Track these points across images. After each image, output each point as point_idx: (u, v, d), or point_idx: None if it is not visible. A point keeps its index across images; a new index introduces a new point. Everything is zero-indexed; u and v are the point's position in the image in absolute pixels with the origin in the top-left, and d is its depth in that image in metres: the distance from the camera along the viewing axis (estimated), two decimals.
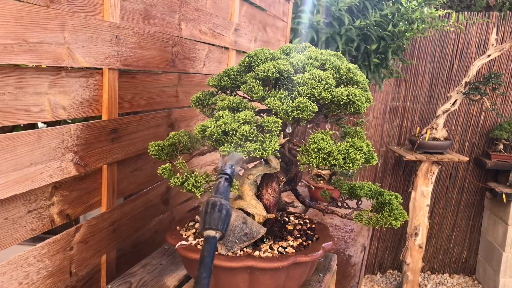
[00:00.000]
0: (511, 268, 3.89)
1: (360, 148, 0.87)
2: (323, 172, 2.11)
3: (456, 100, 3.76)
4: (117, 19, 1.07)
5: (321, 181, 2.11)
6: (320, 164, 0.83)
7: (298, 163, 0.86)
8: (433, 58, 4.20)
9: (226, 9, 1.75)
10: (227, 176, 0.67)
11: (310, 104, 0.86)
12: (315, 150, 0.84)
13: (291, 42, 2.98)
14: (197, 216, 1.05)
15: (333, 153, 0.84)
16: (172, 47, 1.36)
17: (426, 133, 3.83)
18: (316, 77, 0.89)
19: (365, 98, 0.93)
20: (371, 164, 0.91)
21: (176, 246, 0.89)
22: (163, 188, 1.42)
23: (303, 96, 0.88)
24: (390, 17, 3.29)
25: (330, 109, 0.93)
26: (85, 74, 1.00)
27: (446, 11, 3.63)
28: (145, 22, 1.21)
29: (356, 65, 1.01)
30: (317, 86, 0.88)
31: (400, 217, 0.99)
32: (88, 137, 1.01)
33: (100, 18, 1.02)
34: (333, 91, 0.90)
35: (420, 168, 3.84)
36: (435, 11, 3.53)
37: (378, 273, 4.50)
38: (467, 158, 3.80)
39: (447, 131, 3.88)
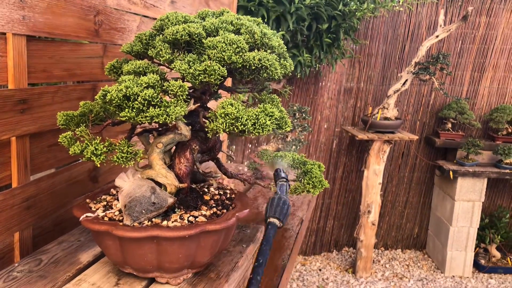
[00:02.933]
0: (458, 241, 4.06)
1: (271, 114, 0.85)
2: (268, 148, 2.10)
3: (406, 80, 3.83)
4: None
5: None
6: (228, 130, 0.81)
7: (206, 129, 0.84)
8: (385, 39, 4.25)
9: None
10: (286, 180, 0.88)
11: (219, 67, 0.83)
12: (223, 115, 0.81)
13: None
14: (112, 190, 1.01)
15: (241, 118, 0.81)
16: (94, 16, 1.29)
17: (377, 113, 3.90)
18: (227, 41, 0.86)
19: (279, 64, 0.91)
20: (284, 131, 0.89)
21: (80, 219, 0.85)
22: (90, 164, 1.36)
23: (213, 60, 0.85)
24: None
25: (243, 74, 0.90)
26: None
27: None
28: None
29: (274, 31, 0.98)
30: (227, 49, 0.85)
31: (319, 184, 0.99)
32: None
33: None
34: (244, 55, 0.87)
35: (372, 147, 3.91)
36: None
37: (334, 250, 4.60)
38: (417, 137, 3.90)
39: (398, 110, 3.95)
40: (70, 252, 1.01)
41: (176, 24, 0.92)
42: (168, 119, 0.78)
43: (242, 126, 0.81)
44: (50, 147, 1.18)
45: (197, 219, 0.86)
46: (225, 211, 0.92)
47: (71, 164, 1.28)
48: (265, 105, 0.86)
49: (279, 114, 0.87)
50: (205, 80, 0.82)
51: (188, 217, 0.86)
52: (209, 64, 0.82)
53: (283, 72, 0.92)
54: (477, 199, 3.99)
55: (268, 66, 0.87)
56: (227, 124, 0.81)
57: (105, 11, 1.34)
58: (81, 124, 0.95)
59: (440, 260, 4.22)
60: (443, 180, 4.23)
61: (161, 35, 0.91)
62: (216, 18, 0.96)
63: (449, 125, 4.14)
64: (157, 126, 0.97)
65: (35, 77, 1.09)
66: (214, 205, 0.94)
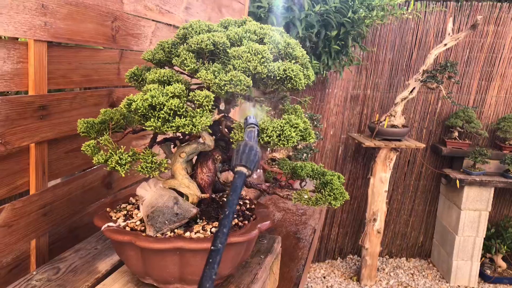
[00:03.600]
0: (463, 251, 4.03)
1: (296, 125, 0.84)
2: (278, 156, 2.09)
3: (414, 88, 3.82)
4: None
5: (276, 166, 2.09)
6: None
7: (231, 140, 0.83)
8: (393, 46, 4.24)
9: None
10: (256, 126, 0.75)
11: (244, 78, 0.82)
12: None
13: None
14: (131, 198, 1.00)
15: (267, 129, 0.80)
16: (112, 22, 1.28)
17: (384, 120, 3.88)
18: (252, 51, 0.86)
19: (303, 74, 0.90)
20: (308, 142, 0.88)
21: (102, 228, 0.84)
22: (105, 170, 1.36)
23: (238, 70, 0.84)
24: (350, 3, 3.28)
25: (267, 84, 0.89)
26: (6, 44, 0.93)
27: None
28: None
29: (296, 41, 0.97)
30: (253, 59, 0.85)
31: (340, 196, 0.98)
32: (10, 113, 0.94)
33: None
34: (269, 66, 0.86)
35: (379, 154, 3.89)
36: None
37: (339, 258, 4.57)
38: (424, 145, 3.89)
39: (405, 118, 3.94)
40: (88, 261, 1.00)
41: (200, 33, 0.92)
42: (195, 130, 0.77)
43: (268, 137, 0.80)
44: (67, 154, 1.17)
45: None
46: (246, 222, 0.91)
47: (86, 170, 1.27)
48: (289, 116, 0.85)
49: (303, 126, 0.86)
50: (231, 90, 0.81)
51: (210, 228, 0.85)
52: (235, 74, 0.81)
53: (306, 82, 0.91)
54: (483, 209, 3.96)
55: (293, 76, 0.87)
56: None
57: (122, 17, 1.34)
58: (102, 132, 0.94)
59: (445, 270, 4.19)
60: (449, 189, 4.21)
61: (185, 44, 0.91)
62: (239, 27, 0.96)
63: (456, 134, 4.12)
64: (178, 135, 0.96)
65: (54, 83, 1.09)
66: (235, 216, 0.93)
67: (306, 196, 0.97)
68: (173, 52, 0.95)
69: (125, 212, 0.92)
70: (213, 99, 0.81)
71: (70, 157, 1.19)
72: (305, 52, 0.96)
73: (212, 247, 0.50)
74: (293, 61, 0.91)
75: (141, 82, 1.02)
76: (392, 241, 4.64)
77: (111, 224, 0.85)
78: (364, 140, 3.82)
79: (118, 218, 0.89)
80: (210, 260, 0.50)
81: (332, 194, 0.97)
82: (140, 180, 1.60)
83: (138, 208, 0.93)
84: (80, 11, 1.13)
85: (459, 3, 4.10)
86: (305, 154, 2.01)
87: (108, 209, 0.93)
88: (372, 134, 3.87)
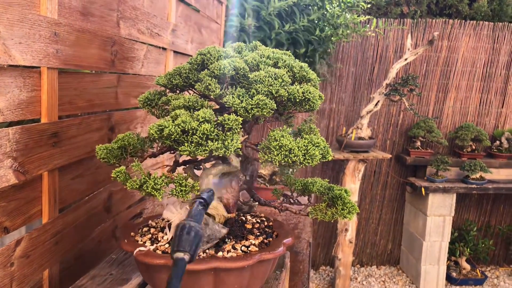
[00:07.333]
0: (431, 255, 4.21)
1: (317, 144, 0.89)
2: (264, 172, 2.13)
3: (378, 101, 4.00)
4: (55, 15, 1.00)
5: (261, 182, 2.13)
6: (283, 161, 0.84)
7: (260, 160, 0.86)
8: (355, 61, 4.42)
9: (163, 9, 1.70)
10: (202, 200, 0.70)
11: (269, 101, 0.86)
12: (277, 147, 0.84)
13: (223, 45, 2.98)
14: (150, 221, 1.01)
15: (293, 150, 0.85)
16: (111, 46, 1.29)
17: (352, 133, 4.03)
18: (272, 75, 0.90)
19: (318, 96, 0.96)
20: (327, 160, 0.93)
21: (135, 253, 0.84)
22: (105, 195, 1.34)
23: (261, 94, 0.88)
24: (316, 22, 3.42)
25: (286, 106, 0.94)
26: (22, 73, 0.92)
27: (367, 17, 3.84)
28: (84, 19, 1.14)
29: (306, 64, 1.03)
30: (274, 83, 0.89)
31: (353, 210, 1.03)
32: (28, 142, 0.93)
33: (36, 12, 0.94)
34: (289, 89, 0.91)
35: (348, 166, 4.02)
36: (357, 17, 3.73)
37: (312, 270, 4.64)
38: (390, 155, 4.05)
39: (371, 130, 4.10)
40: (107, 287, 0.99)
41: (218, 59, 0.95)
42: (227, 152, 0.80)
43: (295, 157, 0.84)
44: (74, 180, 1.16)
45: (249, 248, 0.88)
46: (271, 239, 0.94)
47: (89, 195, 1.26)
48: (310, 136, 0.90)
49: (323, 144, 0.91)
50: (257, 113, 0.85)
51: (240, 247, 0.88)
52: (261, 98, 0.85)
53: (320, 102, 0.97)
54: (447, 214, 4.17)
55: (311, 98, 0.92)
56: (282, 155, 0.84)
57: (119, 41, 1.35)
58: (120, 157, 0.95)
59: (415, 275, 4.35)
60: (414, 197, 4.40)
61: (206, 70, 0.94)
62: (252, 52, 1.00)
63: (418, 143, 4.33)
64: (196, 158, 0.98)
65: (62, 110, 1.08)
66: (258, 233, 0.96)
67: (321, 212, 1.02)
68: (190, 77, 0.98)
69: (150, 235, 0.93)
70: (241, 122, 0.85)
71: (75, 183, 1.17)
72: (316, 75, 1.02)
73: None
74: (309, 83, 0.96)
75: (155, 107, 1.03)
76: (363, 250, 4.76)
77: (142, 248, 0.85)
78: (332, 153, 3.93)
79: (144, 242, 0.90)
80: None
81: (345, 208, 1.02)
82: (135, 203, 1.59)
83: (162, 231, 0.94)
84: (86, 37, 1.14)
85: (415, 20, 4.35)
86: (290, 170, 2.06)
87: (132, 233, 0.94)
88: (340, 146, 3.99)
